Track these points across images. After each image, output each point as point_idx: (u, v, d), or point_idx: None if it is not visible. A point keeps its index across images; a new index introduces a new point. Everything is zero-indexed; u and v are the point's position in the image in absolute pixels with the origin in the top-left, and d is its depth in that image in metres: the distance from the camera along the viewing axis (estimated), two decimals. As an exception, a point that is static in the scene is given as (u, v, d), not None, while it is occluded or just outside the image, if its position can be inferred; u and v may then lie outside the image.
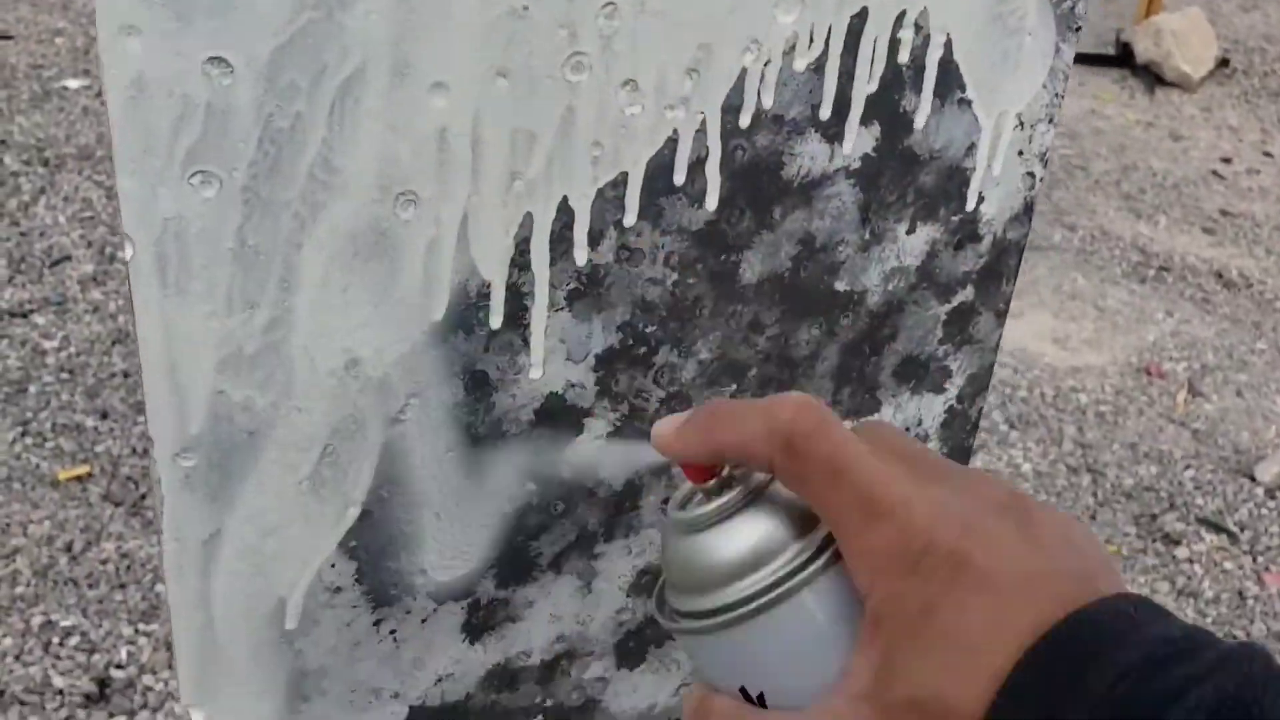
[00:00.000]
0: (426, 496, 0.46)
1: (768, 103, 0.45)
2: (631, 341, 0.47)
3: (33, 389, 2.60)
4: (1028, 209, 0.52)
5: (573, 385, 0.47)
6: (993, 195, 0.51)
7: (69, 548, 2.19)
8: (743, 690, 0.38)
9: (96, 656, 1.99)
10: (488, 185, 0.42)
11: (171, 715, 1.92)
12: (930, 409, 0.56)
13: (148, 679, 1.96)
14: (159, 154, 0.37)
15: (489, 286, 0.43)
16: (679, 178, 0.45)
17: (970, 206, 0.50)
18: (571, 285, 0.45)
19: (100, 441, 2.43)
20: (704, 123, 0.44)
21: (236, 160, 0.38)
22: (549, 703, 0.55)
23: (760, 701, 0.38)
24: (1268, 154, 4.46)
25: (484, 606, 0.50)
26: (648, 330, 0.47)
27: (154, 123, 0.36)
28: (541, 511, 0.49)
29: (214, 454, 0.42)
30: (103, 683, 1.95)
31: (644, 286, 0.46)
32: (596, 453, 0.48)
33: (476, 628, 0.51)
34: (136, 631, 2.03)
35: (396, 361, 0.43)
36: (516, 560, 0.50)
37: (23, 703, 1.91)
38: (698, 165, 0.45)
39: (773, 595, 0.37)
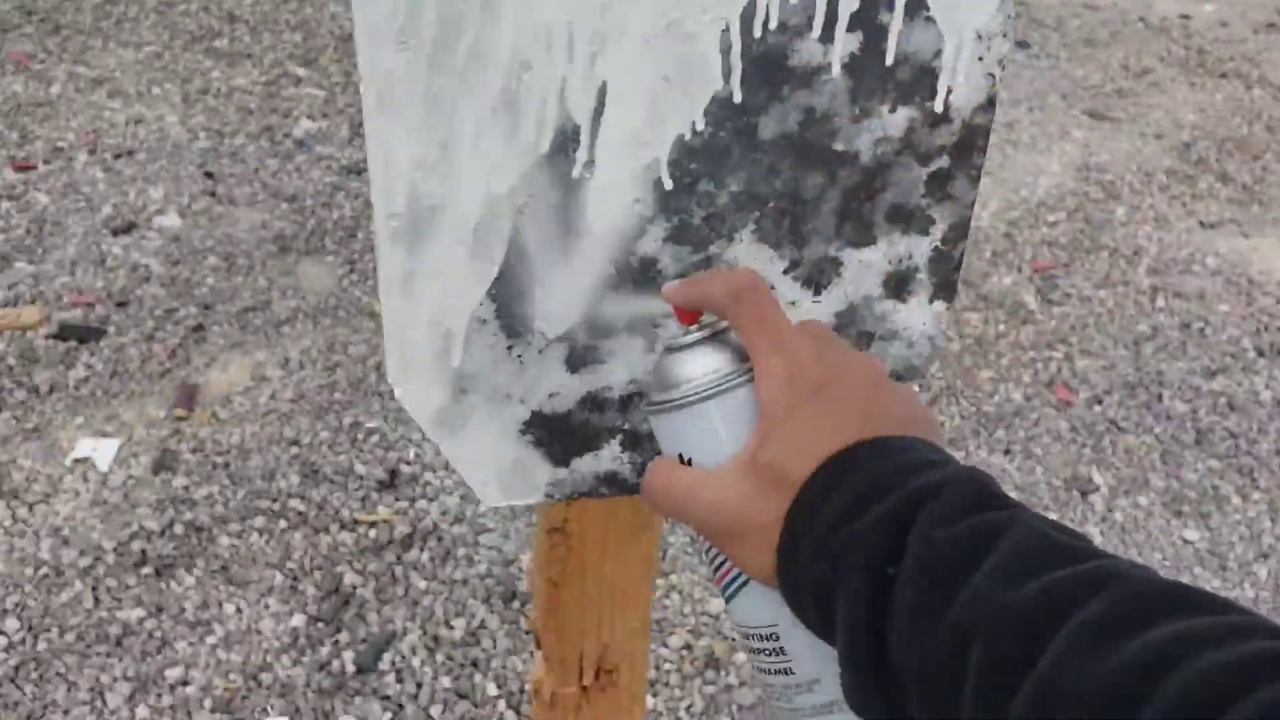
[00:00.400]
0: (538, 268, 0.72)
1: (774, 14, 0.66)
2: (679, 174, 0.70)
3: (360, 235, 3.08)
4: (990, 101, 0.71)
5: (638, 200, 0.71)
6: (960, 90, 0.70)
7: (378, 367, 2.64)
8: (680, 456, 0.60)
9: (391, 453, 2.43)
10: (578, 61, 0.66)
11: (445, 507, 2.32)
12: (919, 248, 0.76)
13: (428, 475, 2.38)
14: (385, 28, 0.63)
15: (579, 130, 0.68)
16: (712, 63, 0.67)
17: (940, 97, 0.70)
18: (639, 132, 0.69)
19: (408, 283, 2.84)
20: (728, 25, 0.66)
21: (424, 34, 0.64)
22: (626, 426, 0.80)
23: (689, 463, 0.59)
24: None
25: (579, 349, 0.76)
26: (692, 167, 0.70)
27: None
28: (620, 286, 0.74)
29: (410, 219, 0.69)
30: (393, 473, 2.38)
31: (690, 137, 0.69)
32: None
33: (575, 362, 0.77)
34: (423, 437, 2.46)
35: (519, 175, 0.69)
36: (599, 321, 0.75)
37: (331, 481, 2.37)
38: (726, 53, 0.67)
39: (708, 392, 0.58)
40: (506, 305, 0.73)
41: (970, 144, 0.72)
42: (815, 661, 0.57)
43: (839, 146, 0.71)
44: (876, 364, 0.58)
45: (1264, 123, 3.98)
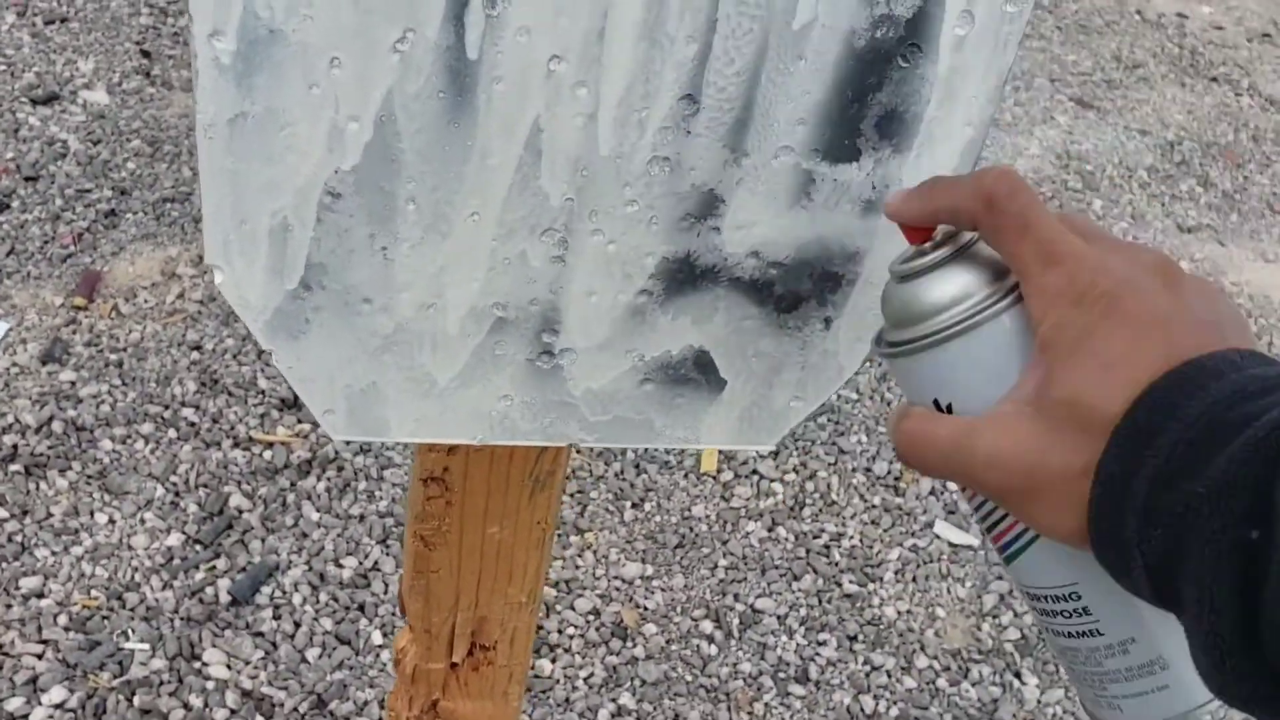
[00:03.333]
0: (415, 133, 0.54)
1: None
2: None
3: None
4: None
5: (556, 57, 0.54)
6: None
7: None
8: (935, 403, 0.50)
9: (298, 371, 2.24)
10: None
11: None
12: (913, 172, 0.59)
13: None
14: None
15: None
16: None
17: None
18: None
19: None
20: None
21: None
22: (528, 355, 0.63)
23: (949, 411, 0.49)
24: None
25: (469, 246, 0.59)
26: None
27: None
28: (528, 174, 0.57)
29: (241, 43, 0.51)
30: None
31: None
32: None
33: (463, 265, 0.59)
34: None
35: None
36: (502, 215, 0.58)
37: (230, 394, 2.17)
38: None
39: (966, 324, 0.48)
40: (371, 176, 0.56)
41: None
42: (1129, 620, 0.49)
43: (825, 19, 0.54)
44: (1164, 257, 0.48)
45: (1250, 131, 3.86)
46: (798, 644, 1.96)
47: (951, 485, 2.28)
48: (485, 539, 0.86)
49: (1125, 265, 0.46)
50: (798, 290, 0.62)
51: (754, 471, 2.25)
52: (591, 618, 1.94)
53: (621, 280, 0.61)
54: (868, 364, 2.31)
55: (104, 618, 1.80)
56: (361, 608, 1.86)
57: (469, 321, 0.62)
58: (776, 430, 0.68)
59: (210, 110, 0.52)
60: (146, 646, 1.76)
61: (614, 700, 1.83)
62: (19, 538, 1.88)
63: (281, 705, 1.72)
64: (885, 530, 2.19)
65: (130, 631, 1.78)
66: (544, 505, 0.86)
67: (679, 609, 1.99)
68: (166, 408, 2.13)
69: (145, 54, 3.16)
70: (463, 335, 0.62)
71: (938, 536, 2.19)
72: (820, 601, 2.04)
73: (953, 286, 0.49)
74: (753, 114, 0.56)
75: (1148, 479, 0.42)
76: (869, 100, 0.57)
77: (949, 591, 2.10)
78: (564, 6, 0.52)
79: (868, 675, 1.93)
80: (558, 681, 1.84)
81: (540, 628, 1.87)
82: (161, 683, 1.71)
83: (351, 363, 0.62)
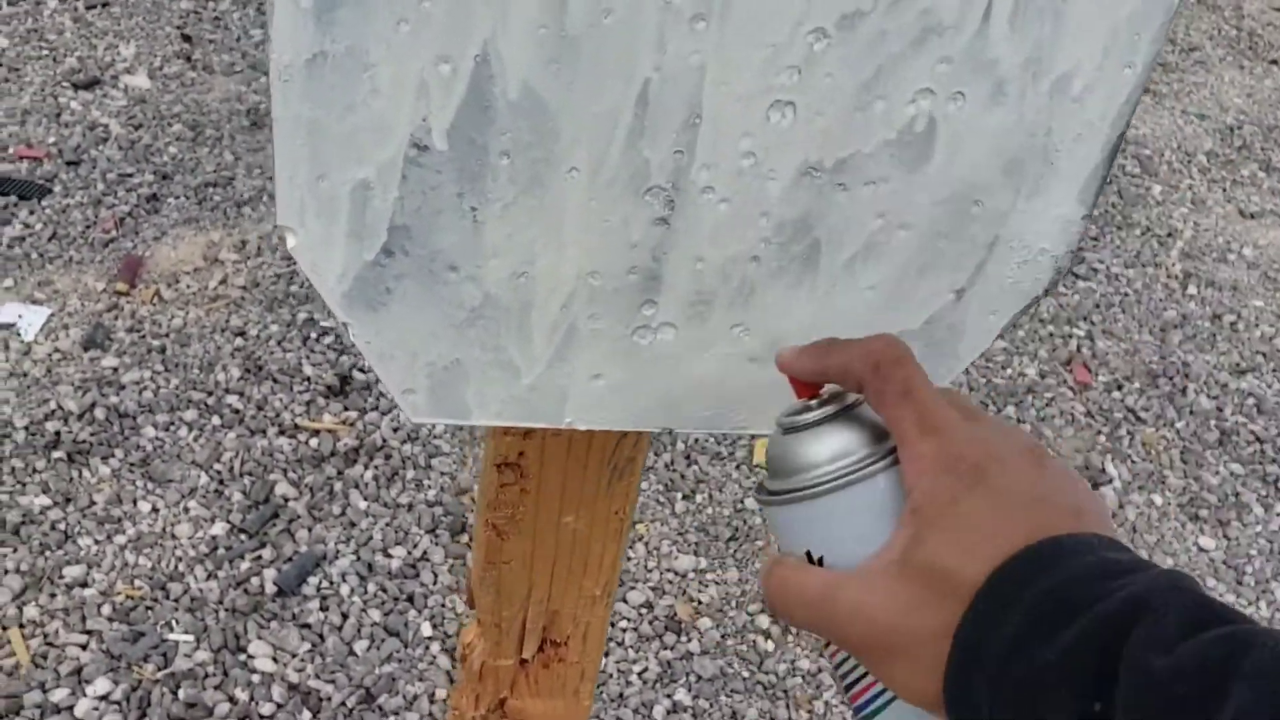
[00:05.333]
0: (512, 76, 0.49)
1: None
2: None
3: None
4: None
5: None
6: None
7: (340, 261, 2.40)
8: (808, 554, 0.50)
9: (345, 357, 2.19)
10: None
11: (397, 422, 2.10)
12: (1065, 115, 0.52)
13: (383, 385, 2.15)
14: None
15: None
16: None
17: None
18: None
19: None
20: None
21: None
22: (632, 333, 0.57)
23: (819, 563, 0.50)
24: None
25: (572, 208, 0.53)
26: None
27: None
28: (643, 127, 0.51)
29: (323, -27, 0.45)
30: (344, 379, 2.15)
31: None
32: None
33: (559, 228, 0.53)
34: (380, 343, 2.22)
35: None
36: (611, 172, 0.52)
37: (275, 380, 2.13)
38: None
39: (841, 480, 0.49)
40: (462, 126, 0.50)
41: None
42: None
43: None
44: (1030, 439, 0.50)
45: (1314, 115, 3.75)
46: (858, 640, 1.90)
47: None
48: (560, 529, 0.80)
49: (997, 442, 0.48)
50: (926, 257, 0.56)
51: (809, 462, 2.19)
52: (644, 610, 1.89)
53: (732, 244, 0.55)
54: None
55: (148, 608, 1.76)
56: (410, 599, 1.81)
57: (561, 292, 0.56)
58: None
59: (287, 50, 0.46)
60: (191, 638, 1.72)
61: (669, 696, 1.77)
62: (62, 525, 1.84)
63: (329, 699, 1.67)
64: (946, 523, 2.12)
65: (175, 623, 1.74)
66: (622, 494, 0.80)
67: (734, 603, 1.93)
68: (210, 394, 2.10)
69: (186, 38, 3.13)
70: (555, 307, 0.56)
71: (1000, 530, 2.12)
72: (880, 596, 1.97)
73: (833, 443, 0.50)
74: (889, 47, 0.50)
75: (1002, 645, 0.43)
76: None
77: (1013, 587, 2.03)
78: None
79: (931, 673, 1.86)
80: (611, 676, 1.79)
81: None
82: (206, 675, 1.67)
83: (435, 337, 0.56)
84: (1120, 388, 2.49)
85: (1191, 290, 2.85)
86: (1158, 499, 2.24)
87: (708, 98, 0.50)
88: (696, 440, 2.21)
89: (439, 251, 0.53)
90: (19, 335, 2.20)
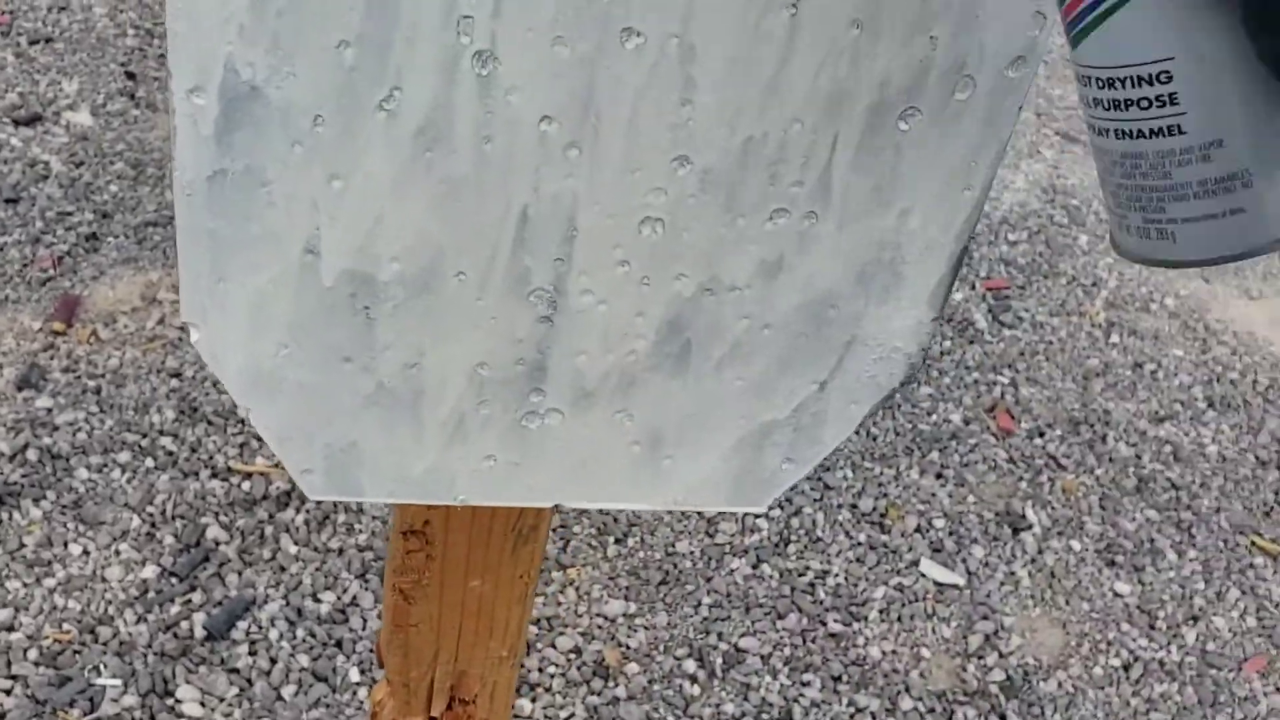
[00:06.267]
0: (401, 187, 0.53)
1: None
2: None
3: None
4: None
5: (547, 118, 0.52)
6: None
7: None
8: None
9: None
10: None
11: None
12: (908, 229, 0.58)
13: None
14: None
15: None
16: None
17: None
18: None
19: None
20: None
21: None
22: (523, 415, 0.61)
23: None
24: None
25: (452, 303, 0.57)
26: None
27: None
28: (527, 235, 0.55)
29: (221, 100, 0.49)
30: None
31: None
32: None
33: (445, 322, 0.57)
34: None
35: (382, 60, 0.49)
36: (490, 271, 0.56)
37: (210, 422, 2.15)
38: None
39: None
40: (350, 235, 0.54)
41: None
42: (1221, 117, 0.41)
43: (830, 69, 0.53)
44: None
45: (1236, 168, 3.88)
46: (781, 684, 1.94)
47: (938, 523, 2.27)
48: (466, 593, 0.84)
49: None
50: (788, 354, 0.61)
51: (738, 507, 2.23)
52: (573, 656, 1.92)
53: (611, 341, 0.60)
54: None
55: (75, 652, 1.76)
56: (339, 644, 1.83)
57: (453, 382, 0.60)
58: (768, 493, 0.67)
59: (189, 168, 0.50)
60: (119, 682, 1.73)
61: (594, 741, 1.80)
62: (-10, 568, 1.84)
63: (256, 744, 1.68)
64: (870, 568, 2.17)
65: (102, 667, 1.74)
66: (527, 559, 0.84)
67: (662, 647, 1.96)
68: (144, 436, 2.11)
69: (130, 75, 3.14)
70: (446, 396, 0.60)
71: (923, 575, 2.18)
72: (805, 641, 2.01)
73: None
74: (747, 175, 0.54)
75: None
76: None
77: (934, 631, 2.08)
78: (556, 67, 0.50)
79: (852, 717, 1.91)
80: (538, 721, 1.81)
81: (520, 666, 1.85)
82: (133, 720, 1.68)
83: (330, 422, 0.60)
84: (1042, 434, 2.57)
85: (1114, 339, 2.94)
86: (1076, 545, 2.31)
87: (582, 215, 0.54)
88: (629, 484, 2.26)
89: (333, 345, 0.57)
90: (-49, 375, 2.19)
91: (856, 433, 2.44)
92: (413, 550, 0.79)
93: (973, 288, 3.02)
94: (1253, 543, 2.38)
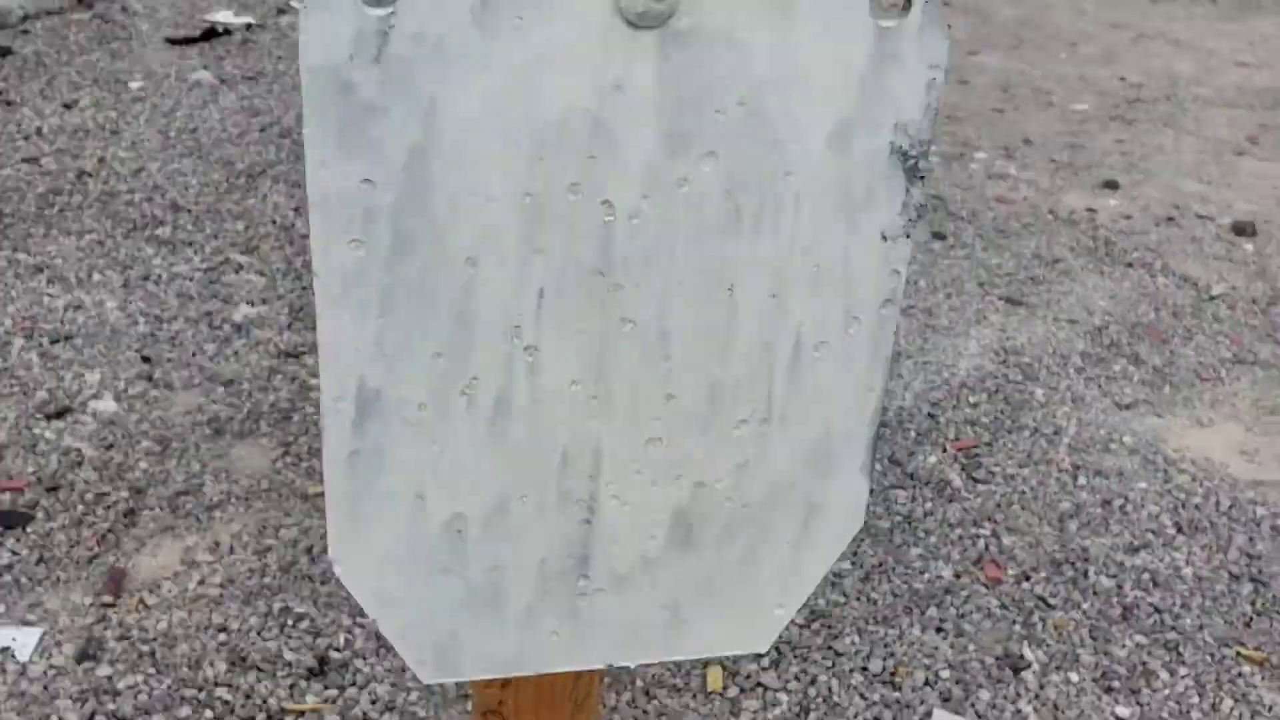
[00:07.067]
0: (474, 444, 0.76)
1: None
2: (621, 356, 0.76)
3: (296, 418, 3.09)
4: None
5: (575, 382, 0.76)
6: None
7: (309, 550, 2.62)
8: None
9: (320, 639, 2.39)
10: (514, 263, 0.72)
11: (375, 695, 2.28)
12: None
13: (358, 662, 2.34)
14: (340, 231, 0.68)
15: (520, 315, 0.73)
16: (641, 259, 0.73)
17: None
18: None
19: (344, 465, 2.85)
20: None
21: (379, 236, 0.69)
22: (572, 601, 0.82)
23: None
24: None
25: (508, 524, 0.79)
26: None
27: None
28: (564, 472, 0.78)
29: (356, 403, 0.73)
30: (322, 660, 2.34)
31: None
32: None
33: (500, 538, 0.79)
34: (354, 622, 2.42)
35: (462, 357, 0.73)
36: (512, 506, 0.78)
37: (259, 669, 2.31)
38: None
39: None
40: (446, 482, 0.76)
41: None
42: None
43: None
44: None
45: (1169, 309, 4.18)
46: (820, 845, 2.06)
47: (944, 673, 2.43)
48: (538, 759, 1.03)
49: None
50: (765, 525, 0.83)
51: (758, 684, 2.39)
52: (623, 843, 2.04)
53: (635, 532, 0.82)
54: (852, 567, 2.50)
55: None
56: None
57: (523, 578, 0.81)
58: (769, 635, 0.87)
59: (335, 450, 0.73)
60: None
61: None
62: (72, 833, 1.97)
63: None
64: (887, 724, 2.32)
65: None
66: (587, 716, 1.03)
67: (704, 825, 2.09)
68: (200, 690, 2.27)
69: (146, 359, 3.41)
70: (520, 589, 0.82)
71: (937, 724, 2.32)
72: (836, 801, 2.14)
73: None
74: (716, 403, 0.78)
75: None
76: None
77: (955, 776, 2.22)
78: (579, 347, 0.74)
79: None
80: None
81: None
82: None
83: (436, 621, 0.81)
84: (1028, 578, 2.75)
85: (1081, 480, 3.16)
86: (1074, 676, 2.46)
87: (605, 443, 0.77)
88: (654, 675, 2.41)
89: (436, 562, 0.79)
90: (14, 657, 2.36)
91: (859, 599, 2.62)
92: (493, 727, 0.98)
93: (944, 450, 3.25)
94: (1238, 653, 2.55)
